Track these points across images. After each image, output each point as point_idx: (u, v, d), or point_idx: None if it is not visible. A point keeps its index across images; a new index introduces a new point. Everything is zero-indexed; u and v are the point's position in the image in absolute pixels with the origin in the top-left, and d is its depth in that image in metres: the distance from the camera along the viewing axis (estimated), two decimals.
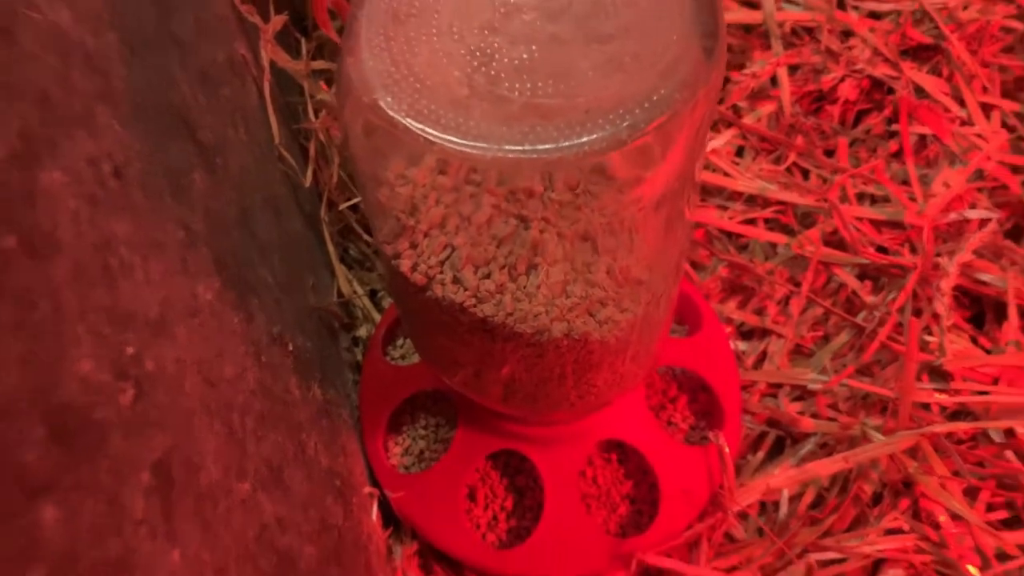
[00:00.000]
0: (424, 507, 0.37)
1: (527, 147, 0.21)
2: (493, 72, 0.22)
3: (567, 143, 0.21)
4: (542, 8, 0.22)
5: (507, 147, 0.21)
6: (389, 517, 0.38)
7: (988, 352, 0.39)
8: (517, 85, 0.21)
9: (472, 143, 0.21)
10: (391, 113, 0.21)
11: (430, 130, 0.21)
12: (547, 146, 0.21)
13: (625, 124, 0.21)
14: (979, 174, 0.43)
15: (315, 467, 0.33)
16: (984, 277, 0.41)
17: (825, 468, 0.37)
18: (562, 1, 0.22)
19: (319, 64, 0.46)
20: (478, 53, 0.22)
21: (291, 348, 0.34)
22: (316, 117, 0.45)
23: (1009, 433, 0.38)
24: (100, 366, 0.20)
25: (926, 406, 0.38)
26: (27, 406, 0.17)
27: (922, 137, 0.45)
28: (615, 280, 0.26)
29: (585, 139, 0.21)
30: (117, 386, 0.20)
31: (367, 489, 0.37)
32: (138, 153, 0.25)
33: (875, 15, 0.48)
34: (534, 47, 0.22)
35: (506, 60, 0.22)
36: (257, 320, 0.31)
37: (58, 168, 0.20)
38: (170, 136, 0.28)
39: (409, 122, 0.21)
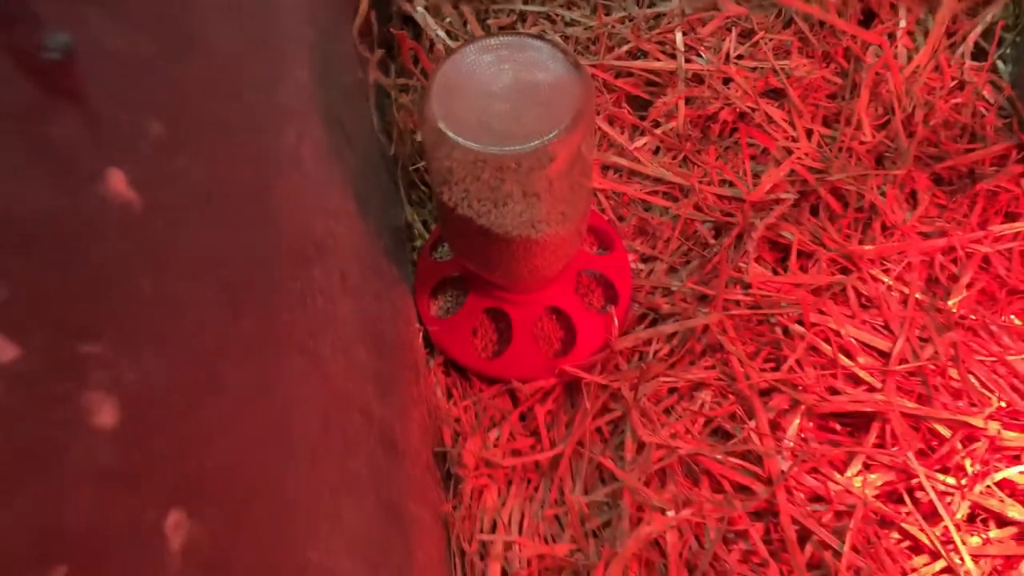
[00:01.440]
0: (447, 337, 0.67)
1: (500, 149, 0.50)
2: (487, 115, 0.51)
3: (519, 147, 0.50)
4: (511, 88, 0.51)
5: (491, 149, 0.50)
6: (428, 342, 0.68)
7: (775, 274, 0.68)
8: (498, 122, 0.51)
9: (477, 146, 0.50)
10: (445, 131, 0.51)
11: (461, 139, 0.50)
12: (509, 148, 0.50)
13: (546, 139, 0.50)
14: (792, 172, 0.72)
15: (394, 306, 0.63)
16: (784, 233, 0.69)
17: (670, 329, 0.66)
18: (518, 86, 0.51)
19: (400, 80, 0.76)
20: (481, 106, 0.51)
21: (383, 244, 0.64)
22: (398, 114, 0.74)
23: (778, 318, 0.66)
24: (325, 229, 0.49)
25: (736, 302, 0.67)
26: (305, 240, 0.47)
27: (765, 149, 0.74)
28: (547, 210, 0.56)
29: (527, 146, 0.50)
30: (326, 239, 0.50)
31: (416, 325, 0.67)
32: (327, 143, 0.55)
33: (749, 68, 0.76)
34: (507, 105, 0.51)
35: (494, 110, 0.51)
36: (371, 227, 0.61)
37: (308, 149, 0.50)
38: (337, 128, 0.58)
39: (452, 135, 0.50)
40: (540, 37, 0.53)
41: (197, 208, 0.31)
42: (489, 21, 0.80)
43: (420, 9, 0.77)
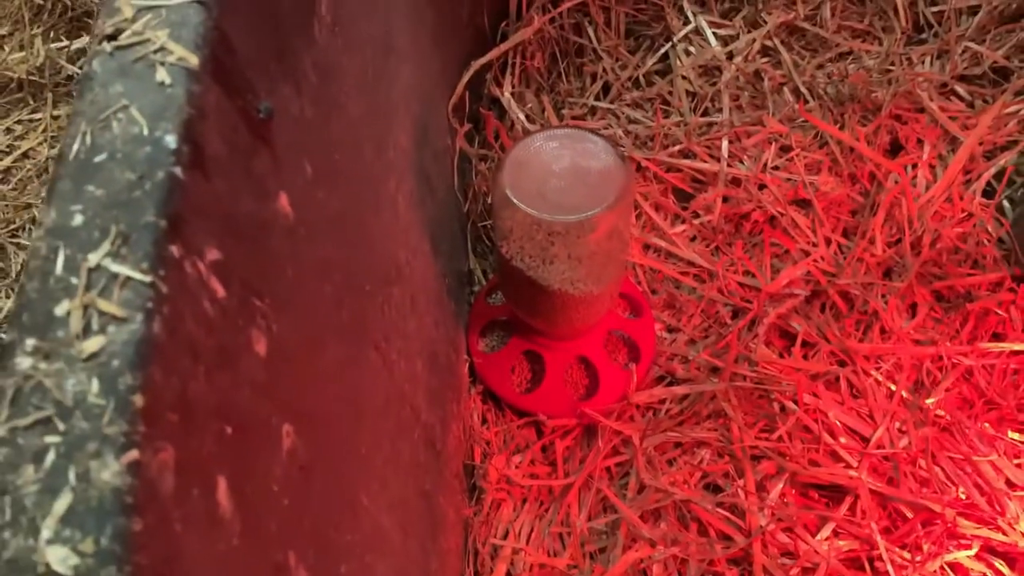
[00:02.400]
0: (489, 370, 0.78)
1: (552, 216, 0.62)
2: (546, 188, 0.63)
3: (567, 217, 0.62)
4: (568, 170, 0.64)
5: (544, 215, 0.62)
6: (472, 372, 0.79)
7: (780, 358, 0.78)
8: (553, 195, 0.63)
9: (533, 212, 0.62)
10: (510, 196, 0.63)
11: (522, 205, 0.62)
12: (560, 217, 0.62)
13: (589, 213, 0.62)
14: (807, 272, 0.82)
15: (449, 335, 0.75)
16: (793, 323, 0.80)
17: (681, 392, 0.76)
18: (574, 169, 0.64)
19: (481, 151, 0.89)
20: (542, 181, 0.63)
21: (447, 283, 0.76)
22: (475, 178, 0.87)
23: (776, 395, 0.76)
24: (405, 259, 0.62)
25: (743, 377, 0.77)
26: (390, 264, 0.59)
27: (787, 249, 0.84)
28: (585, 272, 0.67)
29: (574, 217, 0.62)
30: (404, 268, 0.62)
31: (464, 356, 0.79)
32: (416, 193, 0.68)
33: (783, 178, 0.87)
34: (563, 183, 0.63)
35: (552, 185, 0.63)
36: (440, 267, 0.73)
37: (402, 196, 0.63)
38: (424, 183, 0.71)
39: (515, 200, 0.63)
40: (597, 133, 0.65)
41: (325, 227, 0.44)
42: (564, 111, 0.93)
43: (507, 95, 0.91)
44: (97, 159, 0.29)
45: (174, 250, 0.28)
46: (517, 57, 0.93)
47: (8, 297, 0.99)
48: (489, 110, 0.89)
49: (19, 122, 1.15)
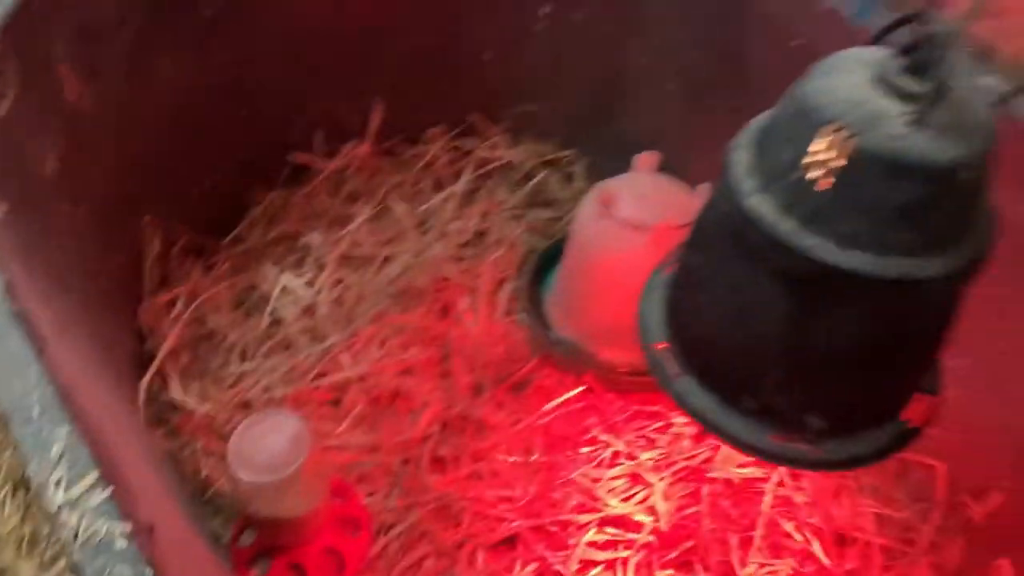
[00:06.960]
0: None
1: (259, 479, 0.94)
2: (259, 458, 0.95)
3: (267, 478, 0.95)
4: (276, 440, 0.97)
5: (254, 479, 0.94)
6: None
7: None
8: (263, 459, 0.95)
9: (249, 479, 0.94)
10: (235, 472, 0.94)
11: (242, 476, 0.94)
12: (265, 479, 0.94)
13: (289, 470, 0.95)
14: None
15: None
16: None
17: None
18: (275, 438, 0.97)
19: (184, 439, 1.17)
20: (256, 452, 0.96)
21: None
22: (204, 459, 1.15)
23: None
24: None
25: None
26: None
27: None
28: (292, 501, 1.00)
29: (274, 477, 0.95)
30: None
31: None
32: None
33: None
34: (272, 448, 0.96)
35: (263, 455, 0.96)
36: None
37: None
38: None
39: (238, 474, 0.94)
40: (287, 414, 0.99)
41: None
42: (226, 385, 1.25)
43: (179, 394, 1.20)
44: None
45: None
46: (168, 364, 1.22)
47: None
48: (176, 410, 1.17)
49: None
